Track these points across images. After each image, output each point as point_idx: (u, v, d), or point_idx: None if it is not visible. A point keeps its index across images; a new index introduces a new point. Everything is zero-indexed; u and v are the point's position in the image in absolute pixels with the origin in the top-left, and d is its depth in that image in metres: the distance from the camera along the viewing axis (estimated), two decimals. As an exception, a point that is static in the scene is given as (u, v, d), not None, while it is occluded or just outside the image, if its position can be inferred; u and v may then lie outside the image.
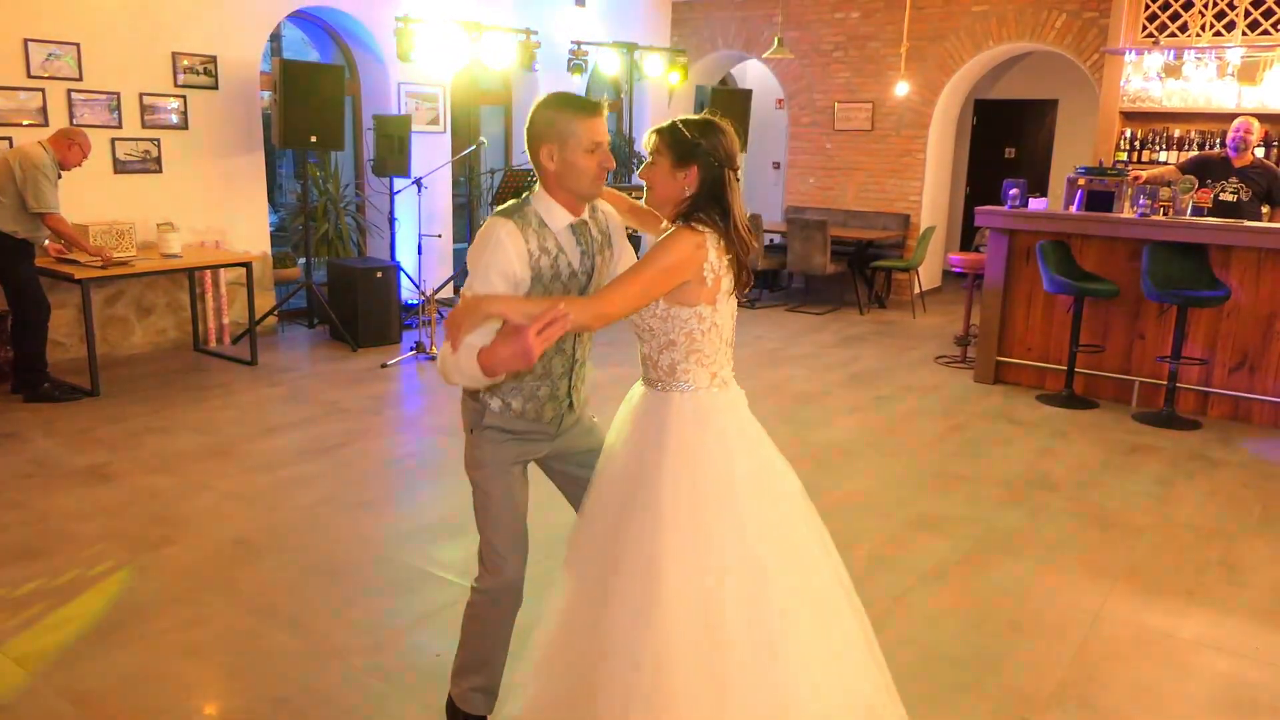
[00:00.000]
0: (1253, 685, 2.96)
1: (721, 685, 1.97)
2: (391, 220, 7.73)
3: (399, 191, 7.65)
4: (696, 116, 2.14)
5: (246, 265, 6.47)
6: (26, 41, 5.92)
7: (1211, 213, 5.99)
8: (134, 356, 6.63)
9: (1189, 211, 5.86)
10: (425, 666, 2.94)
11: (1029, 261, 6.25)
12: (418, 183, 7.37)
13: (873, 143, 9.84)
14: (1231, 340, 5.72)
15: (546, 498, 2.64)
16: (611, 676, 2.01)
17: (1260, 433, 5.55)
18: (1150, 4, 7.73)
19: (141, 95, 6.49)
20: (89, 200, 6.19)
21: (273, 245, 7.62)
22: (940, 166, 10.00)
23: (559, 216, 2.16)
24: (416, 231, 7.59)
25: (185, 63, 6.69)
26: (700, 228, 2.05)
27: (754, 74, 11.75)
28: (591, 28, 9.56)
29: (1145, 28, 7.77)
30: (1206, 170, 6.35)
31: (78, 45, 6.13)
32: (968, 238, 10.82)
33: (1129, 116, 8.13)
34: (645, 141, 2.14)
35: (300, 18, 7.77)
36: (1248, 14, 7.27)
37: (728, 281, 2.08)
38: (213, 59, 6.82)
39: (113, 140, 6.38)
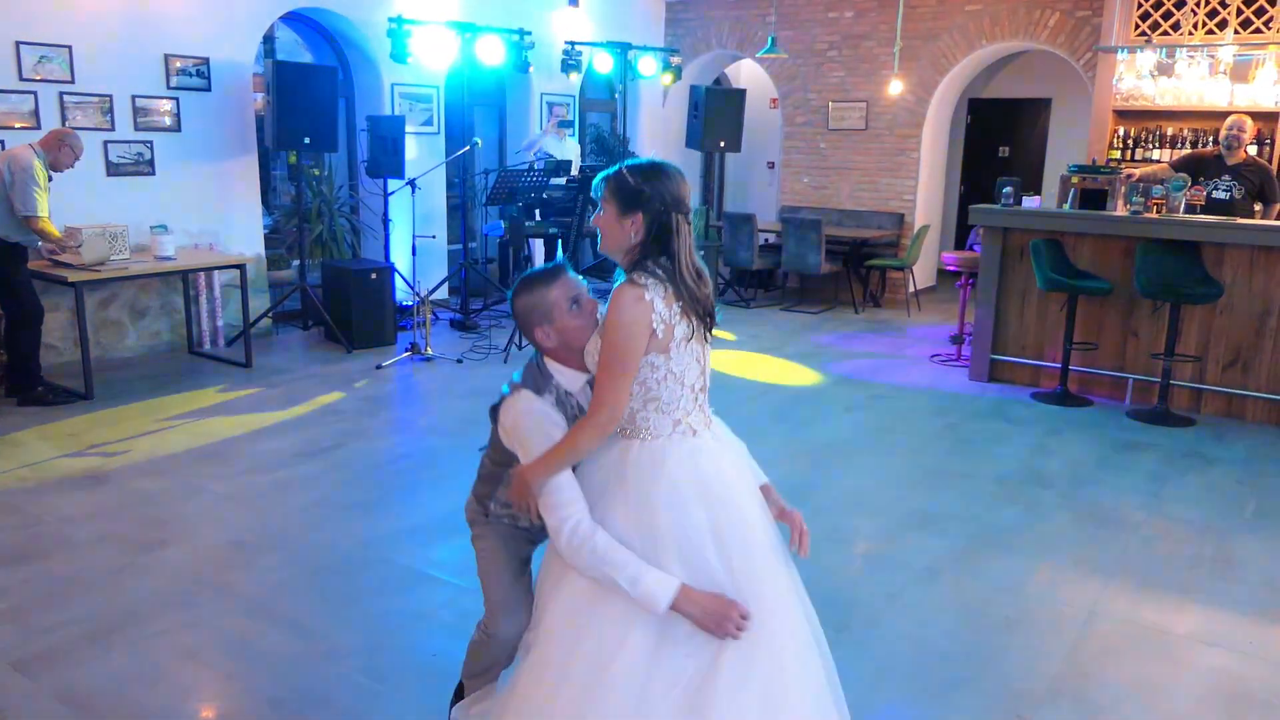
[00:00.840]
0: (1247, 680, 2.97)
1: None
2: (385, 221, 7.72)
3: (393, 193, 7.65)
4: (644, 160, 2.10)
5: (240, 267, 6.47)
6: (18, 44, 5.90)
7: (1204, 210, 6.01)
8: (128, 359, 6.62)
9: (1182, 209, 5.88)
10: (421, 666, 2.95)
11: (1023, 260, 6.26)
12: (411, 184, 7.37)
13: (867, 142, 9.85)
14: (1224, 337, 5.74)
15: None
16: None
17: (1253, 429, 5.57)
18: (1143, 2, 7.75)
19: (134, 98, 6.48)
20: (82, 203, 6.18)
21: (267, 247, 7.61)
22: (934, 165, 10.01)
23: (575, 380, 2.18)
24: (411, 233, 7.58)
25: (178, 65, 6.67)
26: (641, 279, 2.01)
27: (748, 73, 11.76)
28: (585, 28, 9.57)
29: (1138, 26, 7.79)
30: (1199, 168, 6.37)
31: (69, 48, 6.12)
32: (962, 236, 10.84)
33: (1122, 115, 8.15)
34: (595, 188, 2.11)
35: (293, 19, 7.76)
36: (1239, 12, 7.29)
37: (682, 329, 2.03)
38: (205, 61, 6.81)
39: (105, 143, 6.37)
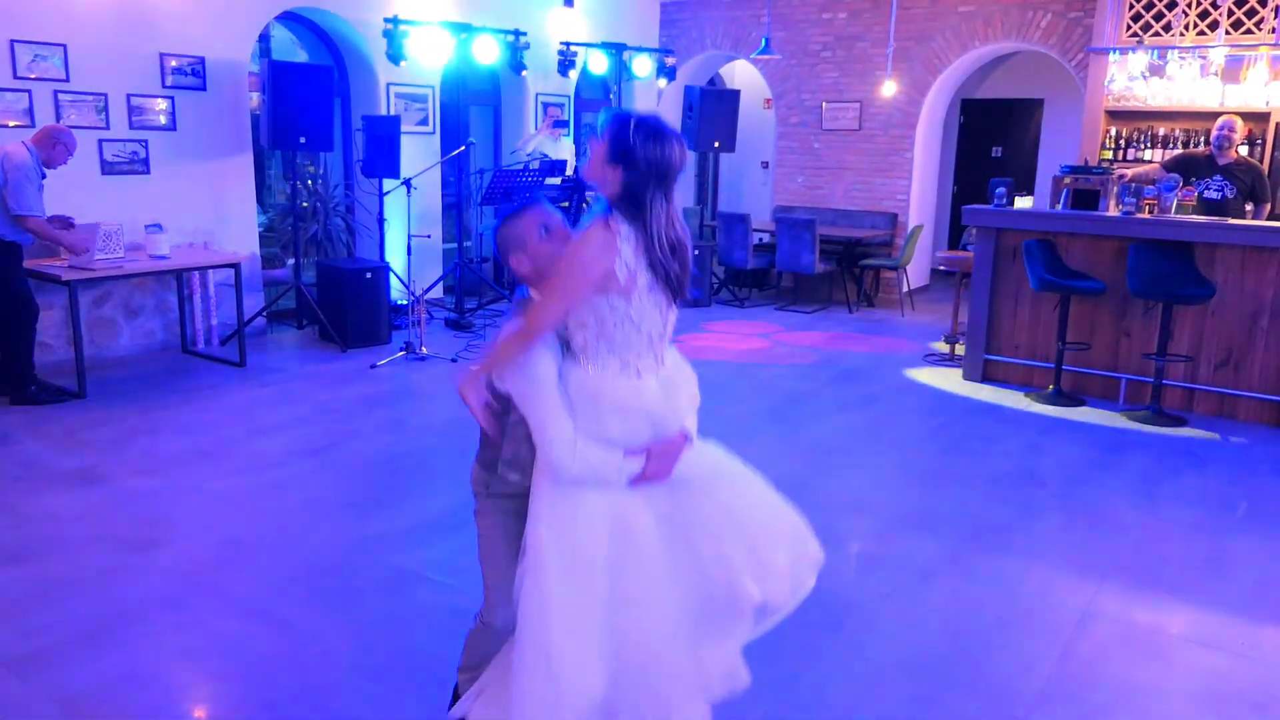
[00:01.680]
0: (1240, 680, 2.99)
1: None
2: (380, 221, 7.72)
3: (388, 192, 7.64)
4: (652, 120, 2.08)
5: (235, 266, 6.46)
6: (13, 42, 5.89)
7: (1196, 211, 6.04)
8: (121, 358, 6.60)
9: (1174, 210, 5.91)
10: (416, 668, 2.95)
11: (1016, 260, 6.28)
12: (407, 184, 7.36)
13: (860, 142, 9.87)
14: (1217, 337, 5.77)
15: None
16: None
17: (1246, 429, 5.59)
18: (1134, 4, 7.77)
19: (129, 96, 6.47)
20: (76, 202, 6.15)
21: (262, 246, 7.60)
22: (927, 165, 10.04)
23: None
24: (406, 232, 7.58)
25: (173, 64, 6.66)
26: (617, 224, 2.05)
27: (742, 74, 11.77)
28: (580, 28, 9.57)
29: (1129, 27, 7.81)
30: (1191, 168, 6.39)
31: (65, 46, 6.10)
32: (955, 236, 10.87)
33: (1114, 115, 8.18)
34: (600, 122, 2.10)
35: (288, 19, 7.75)
36: (1231, 13, 7.32)
37: (645, 280, 2.07)
38: (201, 60, 6.80)
39: (100, 141, 6.35)
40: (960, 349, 6.91)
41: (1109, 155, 8.16)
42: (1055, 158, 10.06)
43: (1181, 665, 3.07)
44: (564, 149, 8.79)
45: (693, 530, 2.16)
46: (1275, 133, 7.47)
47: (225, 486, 4.39)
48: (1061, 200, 6.39)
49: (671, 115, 10.05)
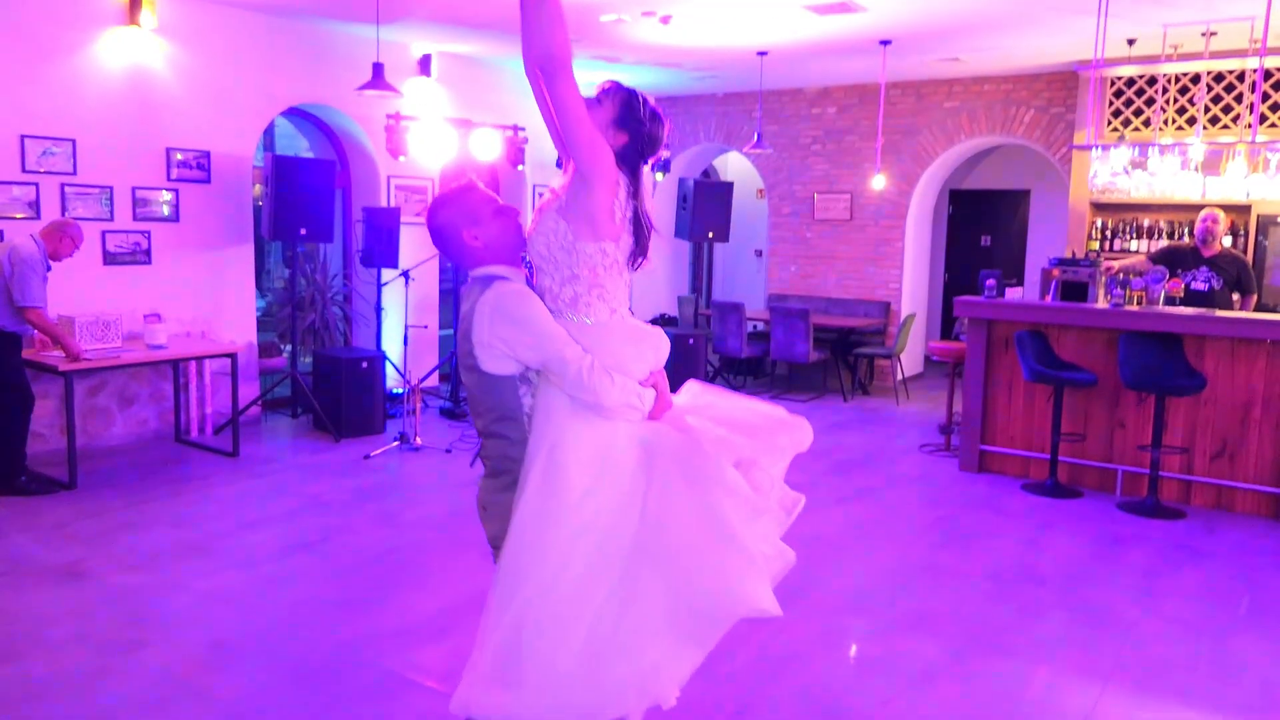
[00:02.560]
0: (1248, 788, 2.92)
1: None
2: (378, 310, 7.78)
3: (387, 283, 7.72)
4: (652, 102, 2.33)
5: (231, 356, 6.48)
6: (23, 137, 6.01)
7: (1184, 302, 6.12)
8: (114, 447, 6.57)
9: (1161, 301, 5.99)
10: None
11: (1008, 350, 6.34)
12: (405, 275, 7.45)
13: (852, 232, 10.04)
14: (1210, 428, 5.78)
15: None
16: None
17: (1244, 521, 5.57)
18: (1114, 100, 8.01)
19: (134, 189, 6.58)
20: (78, 292, 6.22)
21: (259, 331, 7.64)
22: (918, 254, 10.19)
23: (514, 274, 2.34)
24: (403, 322, 7.64)
25: (179, 157, 6.80)
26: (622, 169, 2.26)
27: (735, 164, 12.03)
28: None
29: (1110, 122, 8.04)
30: (1176, 260, 6.51)
31: (73, 141, 6.24)
32: (947, 324, 10.98)
33: (1099, 207, 8.35)
34: (610, 86, 2.30)
35: (292, 113, 7.94)
36: (1208, 109, 7.55)
37: (628, 231, 2.28)
38: (206, 154, 6.95)
39: (103, 233, 6.44)
40: (956, 439, 6.92)
41: (1095, 246, 8.30)
42: (1043, 247, 10.24)
43: (1190, 773, 3.00)
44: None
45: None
46: (1256, 224, 7.63)
47: (213, 583, 4.33)
48: (1051, 291, 6.48)
49: (666, 207, 10.24)
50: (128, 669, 3.50)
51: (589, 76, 9.70)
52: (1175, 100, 7.69)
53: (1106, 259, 7.15)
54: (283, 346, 8.08)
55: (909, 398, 9.32)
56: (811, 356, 8.94)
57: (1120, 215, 8.32)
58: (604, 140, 2.19)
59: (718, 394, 2.58)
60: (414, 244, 8.20)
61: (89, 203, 6.36)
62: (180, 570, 4.45)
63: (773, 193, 10.53)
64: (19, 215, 6.02)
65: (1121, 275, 6.22)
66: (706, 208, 9.09)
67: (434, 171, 8.56)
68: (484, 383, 2.24)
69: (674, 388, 2.43)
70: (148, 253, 6.70)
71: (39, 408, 5.86)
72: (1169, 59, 7.34)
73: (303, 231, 6.99)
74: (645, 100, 2.29)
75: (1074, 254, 8.02)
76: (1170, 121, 7.72)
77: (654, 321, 10.12)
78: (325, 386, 7.16)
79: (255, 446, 6.75)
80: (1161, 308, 5.89)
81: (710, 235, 9.23)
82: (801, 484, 3.42)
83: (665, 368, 2.38)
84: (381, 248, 7.49)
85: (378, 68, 5.88)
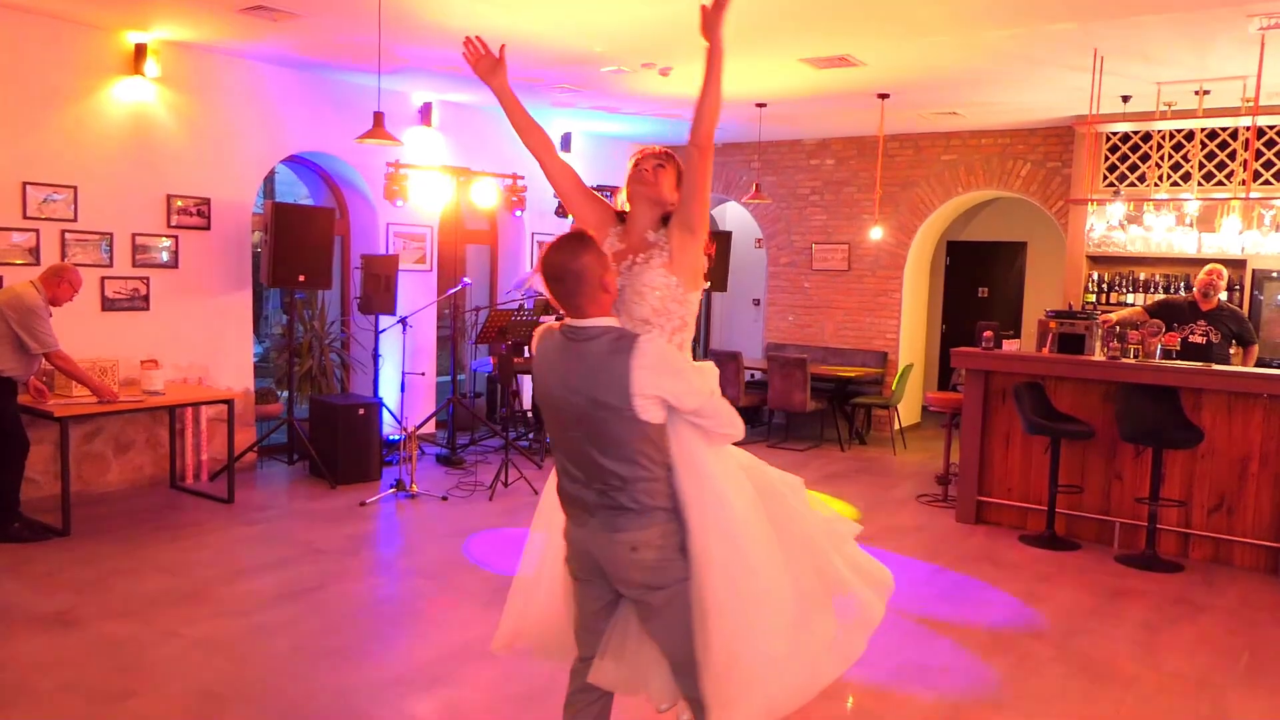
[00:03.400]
0: None
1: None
2: (376, 357, 7.79)
3: (384, 330, 7.74)
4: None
5: (228, 402, 6.48)
6: (25, 185, 6.07)
7: (1180, 355, 6.13)
8: (109, 494, 6.53)
9: (1158, 354, 6.00)
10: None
11: (1006, 401, 6.34)
12: (403, 322, 7.47)
13: (850, 282, 10.10)
14: (1208, 482, 5.77)
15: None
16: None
17: (1243, 575, 5.53)
18: (1110, 155, 8.12)
19: (134, 235, 6.63)
20: (76, 337, 6.21)
21: (256, 377, 7.64)
22: (916, 305, 10.24)
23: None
24: (400, 369, 7.64)
25: (179, 204, 6.86)
26: None
27: (734, 214, 12.14)
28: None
29: (1106, 177, 8.13)
30: (1173, 314, 6.54)
31: (75, 188, 6.29)
32: (945, 375, 11.00)
33: (1095, 260, 8.42)
34: (655, 149, 2.70)
35: (292, 160, 8.02)
36: (1202, 165, 7.64)
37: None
38: (206, 201, 7.00)
39: (103, 279, 6.47)
40: (953, 490, 6.90)
41: (1091, 298, 8.36)
42: (1040, 298, 10.30)
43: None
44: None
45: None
46: (1252, 279, 7.68)
47: (205, 631, 4.28)
48: (1048, 343, 6.50)
49: (664, 255, 10.27)
50: (117, 719, 3.46)
51: (589, 126, 9.87)
52: (1170, 156, 7.79)
53: (1103, 312, 7.19)
54: (280, 393, 8.08)
55: (906, 448, 9.30)
56: (809, 406, 8.94)
57: (1116, 269, 8.38)
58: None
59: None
60: (412, 289, 8.25)
61: (89, 249, 6.39)
62: (172, 618, 4.40)
63: (771, 243, 10.61)
64: (18, 261, 6.05)
65: (1119, 329, 6.24)
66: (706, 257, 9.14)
67: (433, 219, 8.63)
68: (637, 430, 2.37)
69: None
70: (146, 299, 6.73)
71: (34, 453, 5.83)
72: (1163, 116, 7.45)
73: (301, 278, 7.02)
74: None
75: (1071, 306, 8.06)
76: (1165, 177, 7.81)
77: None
78: (322, 433, 7.15)
79: (251, 493, 6.71)
80: (1159, 361, 5.91)
81: (708, 285, 9.28)
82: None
83: None
84: (380, 295, 7.52)
85: (378, 116, 5.96)
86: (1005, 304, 11.07)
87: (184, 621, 4.38)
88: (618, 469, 2.37)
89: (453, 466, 7.69)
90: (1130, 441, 5.73)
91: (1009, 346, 6.68)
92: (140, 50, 6.52)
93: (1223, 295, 6.94)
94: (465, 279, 8.06)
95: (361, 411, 7.09)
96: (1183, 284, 8.00)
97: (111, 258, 6.52)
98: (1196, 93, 6.95)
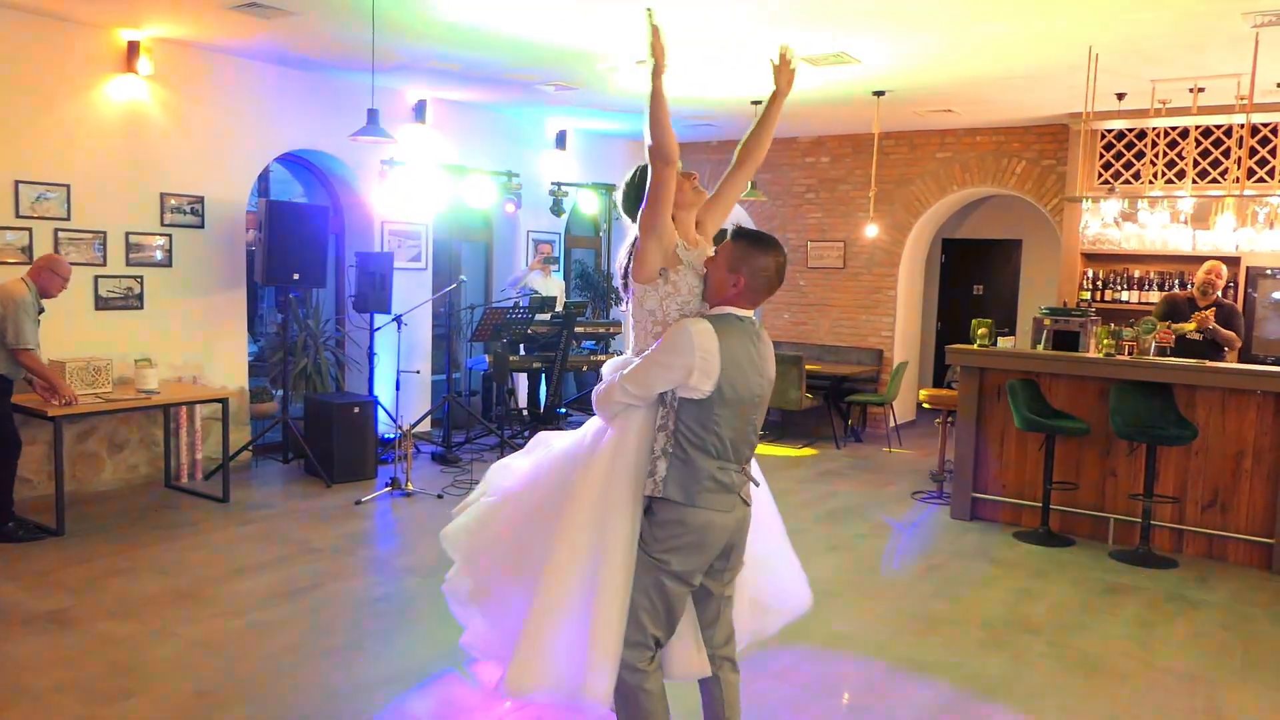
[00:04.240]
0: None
1: None
2: (371, 355, 7.78)
3: (379, 328, 7.73)
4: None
5: (223, 401, 6.46)
6: (18, 183, 6.04)
7: (1176, 352, 6.15)
8: (103, 493, 6.52)
9: (1152, 351, 6.02)
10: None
11: (1001, 398, 6.35)
12: (398, 320, 7.46)
13: (845, 280, 10.11)
14: (1202, 478, 5.79)
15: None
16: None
17: (1236, 571, 5.55)
18: (1105, 153, 8.13)
19: (128, 234, 6.61)
20: (69, 337, 6.21)
21: (251, 376, 7.62)
22: (911, 303, 10.25)
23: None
24: (395, 367, 7.63)
25: (173, 202, 6.84)
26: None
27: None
28: (570, 169, 9.90)
29: (1101, 175, 8.14)
30: (1174, 311, 6.56)
31: (68, 186, 6.27)
32: (940, 372, 11.01)
33: (1090, 257, 8.43)
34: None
35: (286, 158, 8.00)
36: (1196, 163, 7.65)
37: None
38: (200, 199, 6.98)
39: (95, 277, 6.45)
40: (948, 486, 6.91)
41: (1086, 295, 8.36)
42: (1035, 296, 10.32)
43: (1188, 831, 2.95)
44: (554, 286, 8.97)
45: None
46: (1246, 276, 7.70)
47: (201, 631, 4.27)
48: (1042, 340, 6.52)
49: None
50: (113, 719, 3.45)
51: (583, 124, 9.86)
52: (1165, 154, 7.80)
53: (1098, 309, 7.17)
54: (274, 391, 8.06)
55: (901, 445, 9.32)
56: (804, 403, 8.94)
57: (1111, 266, 8.39)
58: None
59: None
60: (407, 288, 8.23)
61: (82, 247, 6.37)
62: (168, 618, 4.40)
63: (766, 240, 10.59)
64: (11, 260, 6.03)
65: (1113, 325, 6.22)
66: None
67: (428, 218, 8.62)
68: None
69: None
70: (140, 297, 6.71)
71: (27, 453, 5.81)
72: (1158, 114, 7.46)
73: (296, 276, 7.01)
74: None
75: (1065, 303, 8.08)
76: (1160, 175, 7.82)
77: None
78: (317, 431, 7.14)
79: (246, 492, 6.70)
80: (1153, 357, 5.93)
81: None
82: (794, 531, 3.41)
83: None
84: (374, 293, 7.51)
85: (372, 114, 5.94)
86: (1000, 301, 11.09)
87: (179, 621, 4.37)
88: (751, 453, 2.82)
89: (448, 465, 7.68)
90: (1125, 438, 5.74)
91: (1004, 343, 6.69)
92: (133, 48, 6.49)
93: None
94: (461, 276, 8.05)
95: (356, 410, 7.08)
96: (1177, 281, 8.01)
97: (105, 256, 6.50)
98: (1191, 90, 6.96)
